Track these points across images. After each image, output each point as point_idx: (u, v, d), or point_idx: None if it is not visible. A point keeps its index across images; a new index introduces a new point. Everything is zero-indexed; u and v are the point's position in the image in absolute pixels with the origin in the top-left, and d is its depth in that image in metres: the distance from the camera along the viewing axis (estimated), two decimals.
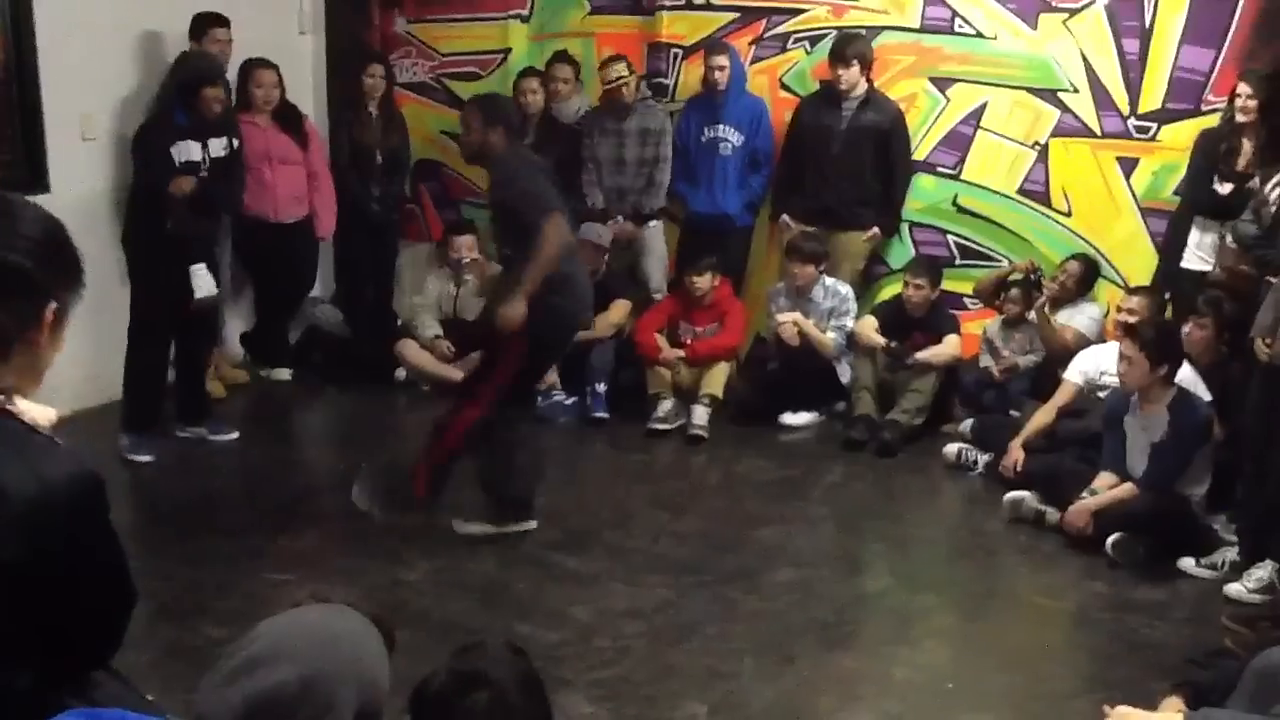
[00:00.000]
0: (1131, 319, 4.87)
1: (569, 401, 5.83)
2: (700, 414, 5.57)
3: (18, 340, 1.54)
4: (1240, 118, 4.92)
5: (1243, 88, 4.94)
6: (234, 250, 5.87)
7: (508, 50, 6.71)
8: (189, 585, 3.76)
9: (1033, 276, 5.55)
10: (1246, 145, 4.90)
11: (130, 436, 4.91)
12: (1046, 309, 5.38)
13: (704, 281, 5.78)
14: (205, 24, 5.44)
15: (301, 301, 6.32)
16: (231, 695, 1.35)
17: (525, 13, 6.65)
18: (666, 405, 5.68)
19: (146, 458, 4.90)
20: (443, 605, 3.76)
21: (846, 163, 5.86)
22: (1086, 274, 5.57)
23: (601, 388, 5.78)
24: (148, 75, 5.52)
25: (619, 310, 5.94)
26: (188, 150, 4.82)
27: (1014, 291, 5.56)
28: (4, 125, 5.01)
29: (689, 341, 5.86)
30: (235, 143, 5.05)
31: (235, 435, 5.27)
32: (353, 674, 1.42)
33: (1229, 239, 4.77)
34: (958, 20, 5.82)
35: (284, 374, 6.21)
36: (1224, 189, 4.96)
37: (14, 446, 1.50)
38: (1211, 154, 5.06)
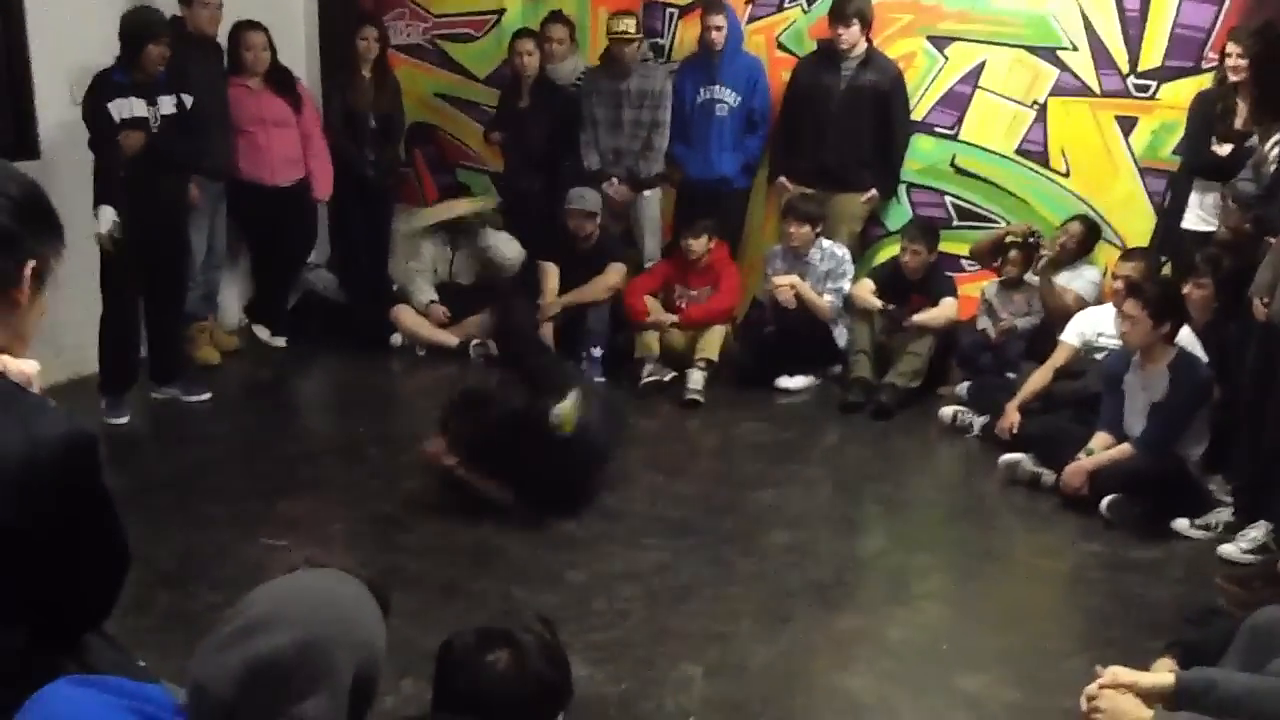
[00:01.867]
0: (1128, 282, 4.84)
1: None
2: (696, 378, 5.57)
3: (1, 298, 1.54)
4: (1232, 77, 4.89)
5: (1231, 47, 4.91)
6: (230, 215, 5.85)
7: (502, 10, 6.65)
8: (184, 551, 3.76)
9: (1031, 239, 5.53)
10: (1241, 105, 4.86)
11: (107, 398, 4.92)
12: (1048, 272, 5.36)
13: (699, 245, 5.75)
14: None
15: (300, 266, 6.30)
16: (229, 660, 1.36)
17: None
18: (651, 365, 5.68)
19: (123, 419, 4.91)
20: (439, 569, 3.76)
21: (845, 123, 5.82)
22: (1087, 236, 5.55)
23: (598, 352, 5.78)
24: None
25: (615, 273, 5.92)
26: (129, 107, 4.72)
27: (1013, 253, 5.54)
28: None
29: (683, 305, 5.84)
30: (187, 100, 4.96)
31: (208, 396, 5.27)
32: (350, 638, 1.42)
33: (1229, 199, 4.74)
34: None
35: (279, 341, 6.19)
36: (1223, 149, 4.93)
37: (4, 406, 1.50)
38: (1208, 115, 5.03)
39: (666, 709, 3.04)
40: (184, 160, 5.04)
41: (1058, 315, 5.31)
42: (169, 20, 4.87)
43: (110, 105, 4.69)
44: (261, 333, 6.22)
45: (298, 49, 6.47)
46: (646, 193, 6.18)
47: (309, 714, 1.36)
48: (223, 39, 5.63)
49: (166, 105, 4.86)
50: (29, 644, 1.58)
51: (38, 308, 1.63)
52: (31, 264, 1.58)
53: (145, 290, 5.06)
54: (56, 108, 5.11)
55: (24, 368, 1.68)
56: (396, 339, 6.20)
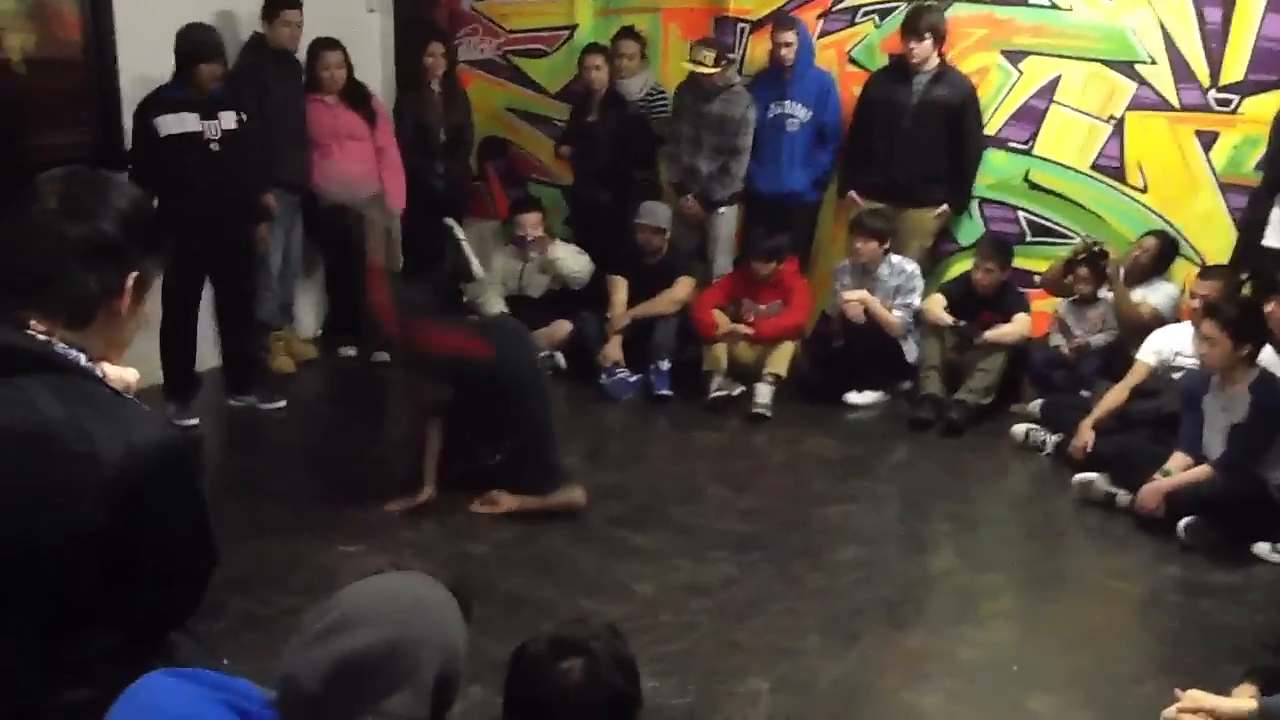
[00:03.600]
0: (1205, 303, 4.74)
1: (633, 379, 5.85)
2: (764, 392, 5.56)
3: (101, 306, 1.60)
4: None
5: None
6: (305, 227, 5.96)
7: (574, 26, 6.72)
8: (258, 556, 3.81)
9: (1095, 249, 5.42)
10: None
11: (174, 404, 5.02)
12: (1121, 277, 5.27)
13: (767, 269, 5.74)
14: (277, 5, 5.51)
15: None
16: (318, 655, 1.40)
17: None
18: (719, 379, 5.68)
19: (192, 421, 5.00)
20: (508, 579, 3.80)
21: (917, 138, 5.78)
22: (1163, 251, 5.45)
23: (665, 365, 5.78)
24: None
25: (684, 287, 5.93)
26: (180, 122, 4.80)
27: (1083, 270, 5.44)
28: (82, 106, 5.11)
29: (752, 319, 5.84)
30: (244, 116, 5.04)
31: (283, 404, 5.38)
32: (434, 639, 1.47)
33: None
34: None
35: (350, 351, 6.28)
36: None
37: (104, 411, 1.55)
38: None
39: None
40: (249, 174, 5.12)
41: (1132, 328, 5.21)
42: (220, 40, 4.95)
43: (157, 121, 4.77)
44: (346, 350, 6.31)
45: (373, 65, 6.59)
46: (722, 210, 6.18)
47: (393, 710, 1.40)
48: (302, 55, 5.75)
49: (228, 120, 4.95)
50: (121, 643, 1.63)
51: (137, 318, 1.69)
52: (134, 275, 1.63)
53: (217, 302, 5.20)
54: None
55: (125, 375, 1.74)
56: None
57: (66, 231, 1.57)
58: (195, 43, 4.84)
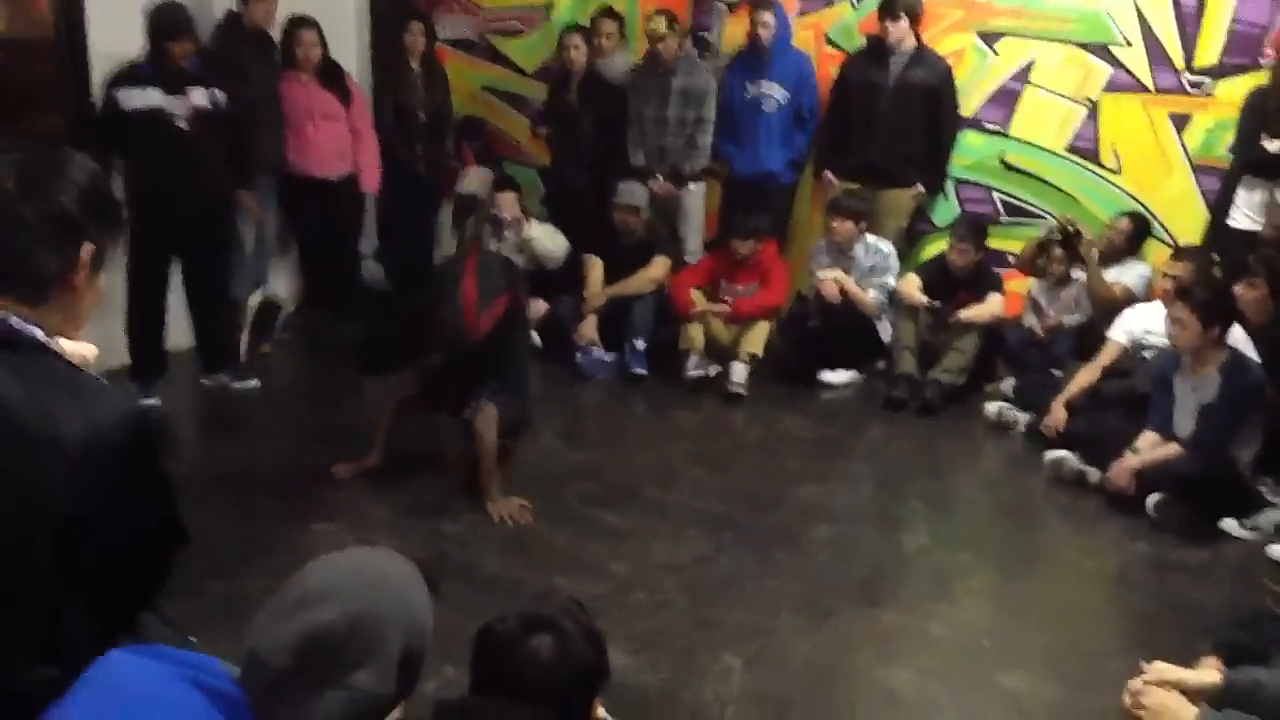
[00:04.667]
0: (1176, 284, 4.78)
1: (609, 358, 5.85)
2: (740, 371, 5.57)
3: (58, 280, 1.59)
4: None
5: None
6: (280, 207, 5.92)
7: (550, 5, 6.69)
8: (233, 537, 3.81)
9: (1070, 229, 5.45)
10: None
11: (137, 384, 4.98)
12: (1095, 257, 5.30)
13: (746, 248, 5.75)
14: None
15: (349, 257, 6.32)
16: (283, 631, 1.41)
17: None
18: (696, 358, 5.69)
19: (152, 401, 4.95)
20: (483, 558, 3.80)
21: (893, 120, 5.79)
22: (1136, 232, 5.49)
23: (641, 344, 5.79)
24: (198, 34, 5.55)
25: (660, 267, 5.94)
26: (145, 97, 4.73)
27: (1057, 251, 5.47)
28: (54, 86, 5.05)
29: (729, 300, 5.85)
30: (220, 95, 4.98)
31: (256, 383, 5.36)
32: (400, 615, 1.48)
33: (1278, 197, 4.67)
34: None
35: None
36: (1273, 146, 4.86)
37: (65, 388, 1.55)
38: (1261, 111, 4.95)
39: (706, 700, 3.07)
40: (220, 151, 5.05)
41: (1105, 307, 5.26)
42: (190, 18, 4.87)
43: (119, 94, 4.72)
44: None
45: (349, 45, 6.54)
46: (691, 186, 6.18)
47: (359, 685, 1.41)
48: (277, 33, 5.70)
49: (198, 97, 4.88)
50: (88, 622, 1.62)
51: (94, 292, 1.68)
52: (90, 249, 1.63)
53: (186, 281, 5.15)
54: None
55: (82, 350, 1.74)
56: None
57: (23, 211, 1.57)
58: (165, 20, 4.78)
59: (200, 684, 1.41)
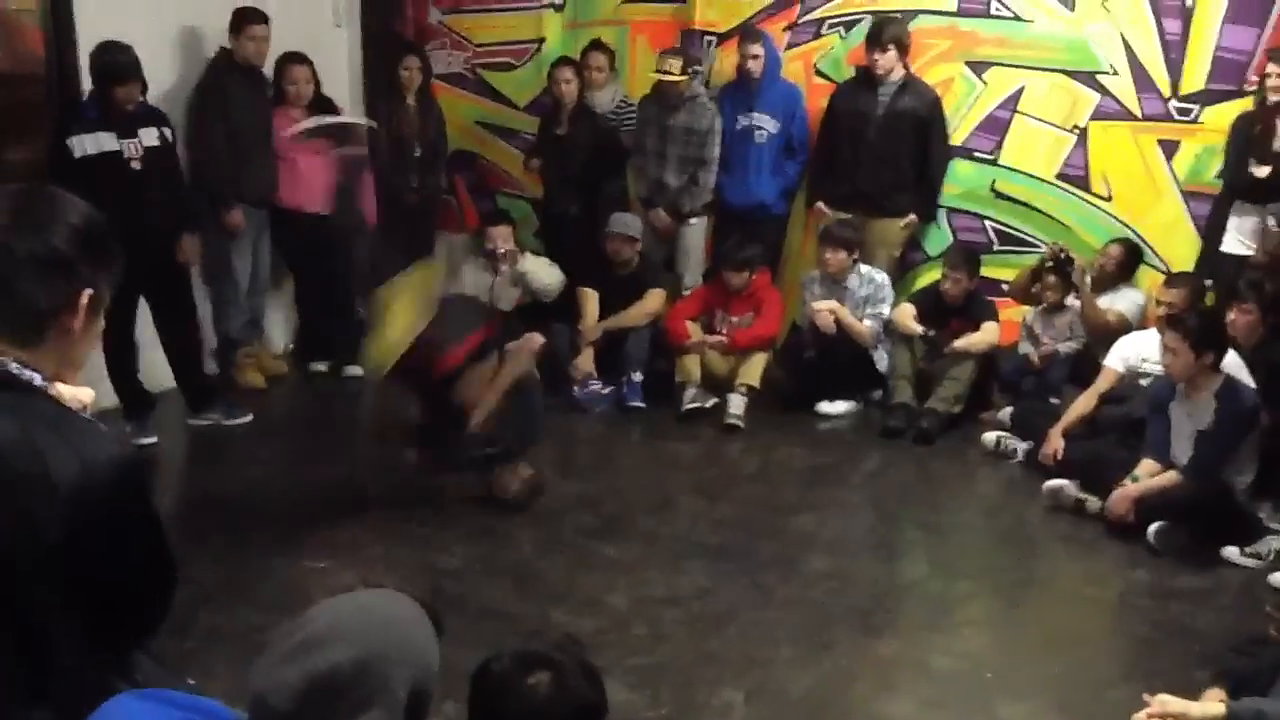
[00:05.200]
0: (1170, 311, 4.79)
1: (605, 390, 5.83)
2: (737, 403, 5.56)
3: (53, 323, 1.58)
4: (1272, 98, 4.85)
5: (1272, 67, 4.90)
6: (273, 242, 5.92)
7: (542, 40, 6.72)
8: (227, 572, 3.79)
9: (1062, 256, 5.46)
10: None
11: (132, 423, 4.94)
12: (1089, 284, 5.31)
13: (739, 279, 5.75)
14: (243, 20, 5.48)
15: (344, 292, 6.31)
16: (288, 674, 1.39)
17: (559, 1, 6.67)
18: (692, 391, 5.68)
19: (149, 440, 4.92)
20: (479, 592, 3.78)
21: (883, 149, 5.82)
22: (1128, 258, 5.50)
23: (637, 376, 5.79)
24: (187, 72, 5.57)
25: (655, 299, 5.94)
26: (95, 142, 4.64)
27: (1050, 278, 5.49)
28: (45, 124, 5.05)
29: (725, 331, 5.85)
30: (169, 133, 4.95)
31: (250, 419, 5.32)
32: (405, 657, 1.46)
33: (1271, 222, 4.69)
34: (994, 3, 5.76)
35: (320, 366, 6.24)
36: (1261, 171, 4.89)
37: (58, 430, 1.53)
38: (1247, 136, 4.99)
39: None
40: (172, 188, 5.00)
41: (1099, 333, 5.26)
42: (136, 60, 4.76)
43: (71, 141, 4.61)
44: (317, 365, 6.25)
45: (341, 79, 6.57)
46: (693, 221, 6.18)
47: None
48: (269, 69, 5.72)
49: (149, 137, 4.82)
50: (80, 662, 1.60)
51: (91, 336, 1.66)
52: (88, 293, 1.61)
53: (156, 323, 5.09)
54: None
55: (80, 395, 1.73)
56: None
57: (16, 247, 1.55)
58: (111, 63, 4.70)
59: None
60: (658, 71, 5.94)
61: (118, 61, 4.70)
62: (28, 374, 1.56)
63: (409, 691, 1.44)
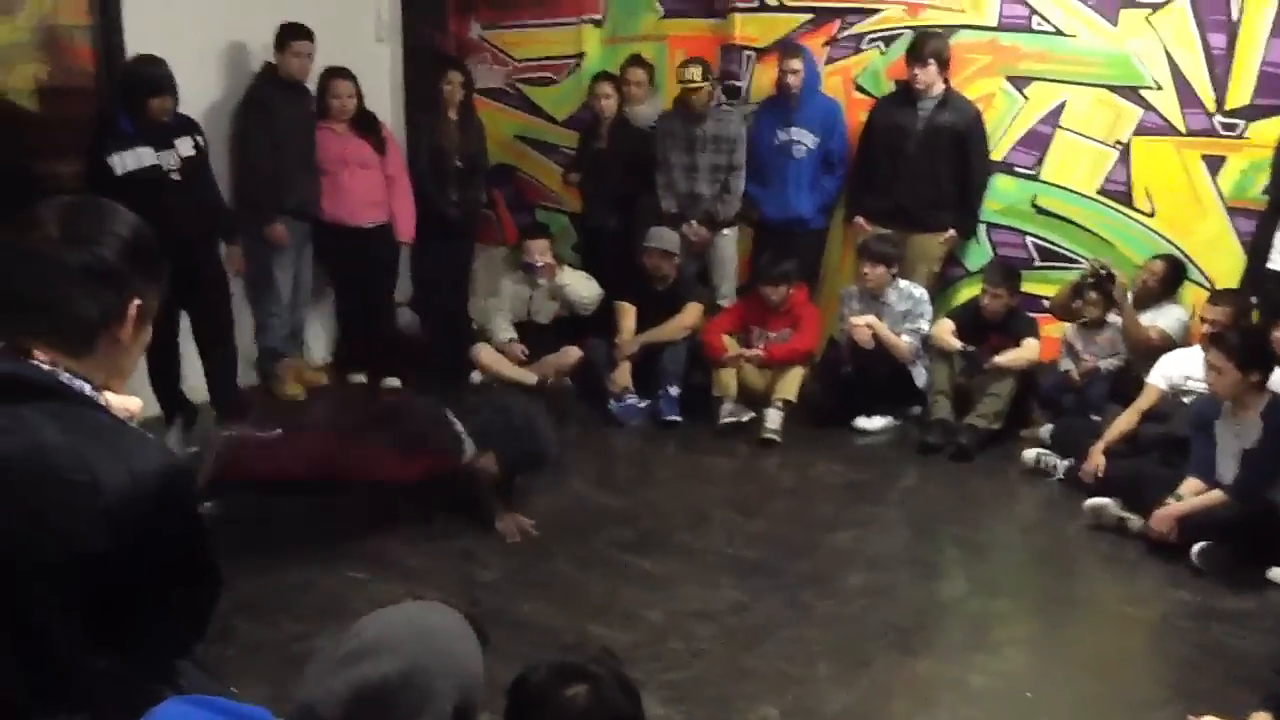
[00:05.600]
0: (1215, 329, 4.73)
1: (641, 404, 5.84)
2: (773, 417, 5.55)
3: (102, 332, 1.61)
4: None
5: None
6: (315, 256, 5.99)
7: (581, 55, 6.77)
8: (265, 583, 3.80)
9: (1103, 272, 5.41)
10: None
11: (174, 432, 5.01)
12: (1130, 300, 5.25)
13: (777, 294, 5.75)
14: (288, 36, 5.56)
15: (384, 305, 6.35)
16: (337, 684, 1.41)
17: (599, 17, 6.71)
18: (729, 405, 5.67)
19: (193, 449, 4.92)
20: (516, 605, 3.79)
21: (922, 164, 5.80)
22: (1171, 274, 5.44)
23: (674, 390, 5.79)
24: (234, 86, 5.66)
25: (692, 313, 5.95)
26: (135, 158, 4.69)
27: (1091, 294, 5.43)
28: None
29: (762, 346, 5.84)
30: (202, 140, 4.98)
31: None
32: (452, 668, 1.48)
33: None
34: (1035, 18, 5.72)
35: (359, 377, 6.29)
36: None
37: (107, 439, 1.55)
38: None
39: None
40: (210, 197, 5.05)
41: (1141, 351, 5.20)
42: (170, 74, 4.79)
43: (112, 158, 4.64)
44: (356, 376, 6.29)
45: (383, 94, 6.64)
46: (725, 231, 6.20)
47: None
48: (313, 84, 5.79)
49: (184, 147, 4.87)
50: (127, 671, 1.62)
51: (139, 346, 1.69)
52: (136, 303, 1.64)
53: (194, 331, 5.14)
54: None
55: (128, 404, 1.75)
56: (476, 376, 6.27)
57: (66, 259, 1.58)
58: (144, 76, 4.75)
59: None
60: (679, 82, 5.97)
61: (151, 74, 4.75)
62: (78, 383, 1.58)
63: (455, 703, 1.45)
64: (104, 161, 4.66)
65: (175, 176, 4.84)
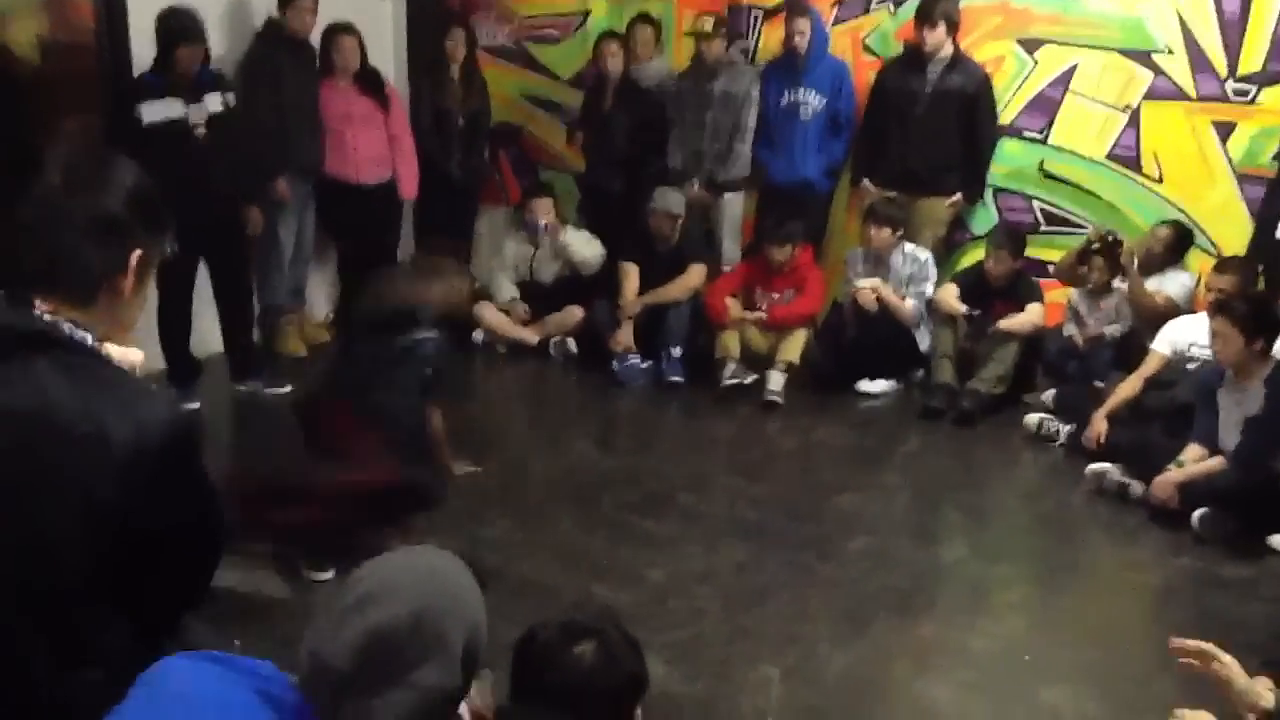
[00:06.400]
0: (1220, 296, 4.71)
1: (645, 365, 5.84)
2: (776, 379, 5.54)
3: (105, 285, 1.59)
4: None
5: None
6: (317, 212, 5.96)
7: (587, 13, 6.69)
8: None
9: (1109, 238, 5.37)
10: None
11: (176, 388, 4.98)
12: (1136, 266, 5.23)
13: (782, 254, 5.72)
14: None
15: (385, 262, 6.32)
16: (345, 632, 1.40)
17: None
18: (732, 366, 5.66)
19: (193, 405, 4.96)
20: (519, 564, 3.80)
21: (930, 127, 5.75)
22: (1177, 241, 5.41)
23: (677, 351, 5.78)
24: (236, 43, 5.60)
25: (696, 274, 5.92)
26: (164, 109, 4.69)
27: (1097, 260, 5.40)
28: (96, 93, 5.10)
29: (765, 308, 5.82)
30: (231, 98, 4.95)
31: (289, 389, 5.32)
32: (459, 609, 1.48)
33: None
34: None
35: None
36: None
37: (112, 391, 1.55)
38: None
39: (743, 711, 3.04)
40: (234, 155, 5.01)
41: (1146, 316, 5.18)
42: (202, 23, 4.82)
43: (141, 108, 4.66)
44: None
45: (386, 51, 6.58)
46: (728, 194, 6.16)
47: (424, 681, 1.41)
48: (315, 40, 5.73)
49: (213, 103, 4.86)
50: (132, 624, 1.63)
51: (141, 298, 1.69)
52: (138, 253, 1.63)
53: (214, 286, 5.17)
54: None
55: (129, 355, 1.74)
56: (478, 336, 6.27)
57: (70, 207, 1.57)
58: (175, 25, 4.74)
59: (260, 690, 1.41)
60: (690, 33, 5.91)
61: (183, 24, 4.76)
62: (80, 334, 1.58)
63: (464, 645, 1.46)
64: (131, 111, 4.67)
65: (200, 131, 4.82)
